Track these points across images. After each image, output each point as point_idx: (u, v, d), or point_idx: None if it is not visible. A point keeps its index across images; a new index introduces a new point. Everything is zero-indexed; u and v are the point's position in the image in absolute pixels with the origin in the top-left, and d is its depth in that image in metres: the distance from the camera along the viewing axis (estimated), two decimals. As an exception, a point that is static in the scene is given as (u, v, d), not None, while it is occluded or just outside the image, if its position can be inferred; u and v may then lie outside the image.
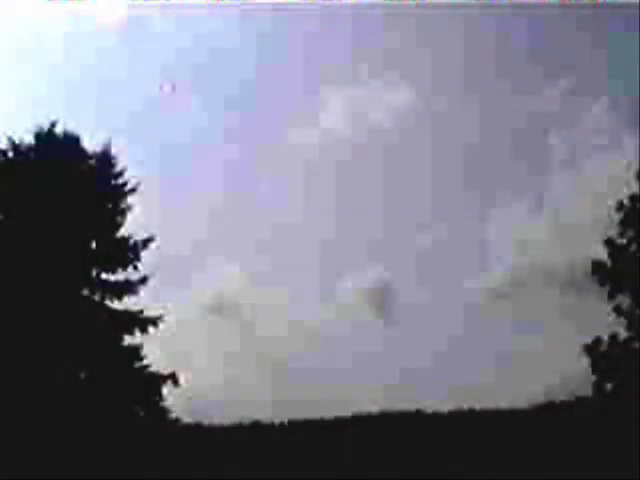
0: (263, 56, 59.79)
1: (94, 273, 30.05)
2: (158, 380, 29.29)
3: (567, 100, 58.14)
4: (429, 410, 35.55)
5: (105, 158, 30.83)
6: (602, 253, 30.55)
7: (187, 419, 31.44)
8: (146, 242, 30.28)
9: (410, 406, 35.83)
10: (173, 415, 29.58)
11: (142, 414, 29.22)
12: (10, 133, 30.26)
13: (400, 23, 54.65)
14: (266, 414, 36.50)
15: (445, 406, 35.63)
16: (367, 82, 60.82)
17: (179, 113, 56.79)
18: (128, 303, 30.02)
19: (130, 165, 31.24)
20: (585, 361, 29.79)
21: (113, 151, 30.87)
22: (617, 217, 30.48)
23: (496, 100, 61.32)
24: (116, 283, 30.05)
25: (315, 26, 57.72)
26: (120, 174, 30.87)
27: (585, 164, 57.83)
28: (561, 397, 34.10)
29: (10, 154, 30.27)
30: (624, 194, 30.63)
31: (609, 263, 30.24)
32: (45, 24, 55.49)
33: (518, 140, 58.59)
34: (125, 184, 30.81)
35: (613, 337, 29.72)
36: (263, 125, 58.34)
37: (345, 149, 60.98)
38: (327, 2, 50.86)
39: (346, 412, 35.86)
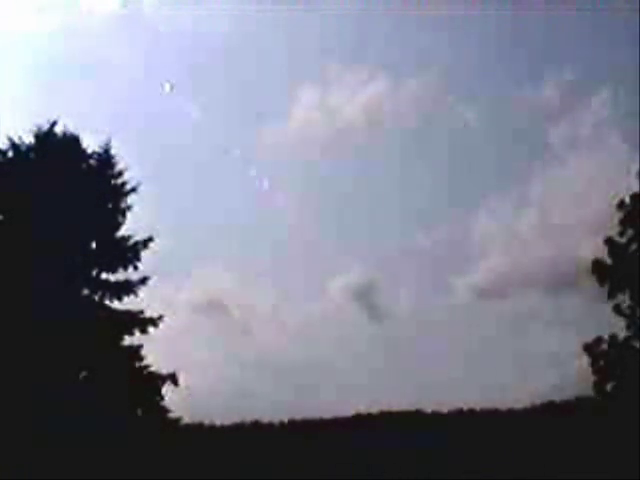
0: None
1: (94, 273, 30.03)
2: (158, 380, 29.27)
3: (565, 98, 58.18)
4: (429, 410, 35.60)
5: (105, 158, 30.81)
6: (602, 253, 30.65)
7: (187, 419, 31.45)
8: (146, 242, 30.24)
9: (410, 406, 35.89)
10: (173, 415, 29.60)
11: (142, 414, 29.22)
12: (10, 133, 30.31)
13: (384, 19, 54.53)
14: (266, 414, 36.50)
15: (444, 406, 35.68)
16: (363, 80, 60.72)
17: (178, 112, 56.81)
18: (128, 303, 30.08)
19: (129, 165, 31.29)
20: (585, 361, 29.86)
21: (113, 151, 30.94)
22: (617, 216, 30.53)
23: (494, 99, 61.42)
24: (116, 283, 30.01)
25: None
26: (120, 174, 30.84)
27: (582, 163, 57.92)
28: (561, 397, 34.13)
29: (10, 154, 30.25)
30: (619, 193, 30.77)
31: (609, 262, 30.28)
32: (44, 24, 55.58)
33: (514, 138, 58.64)
34: (125, 184, 30.79)
35: (613, 337, 29.76)
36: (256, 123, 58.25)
37: (337, 147, 60.95)
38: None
39: (346, 412, 35.91)
